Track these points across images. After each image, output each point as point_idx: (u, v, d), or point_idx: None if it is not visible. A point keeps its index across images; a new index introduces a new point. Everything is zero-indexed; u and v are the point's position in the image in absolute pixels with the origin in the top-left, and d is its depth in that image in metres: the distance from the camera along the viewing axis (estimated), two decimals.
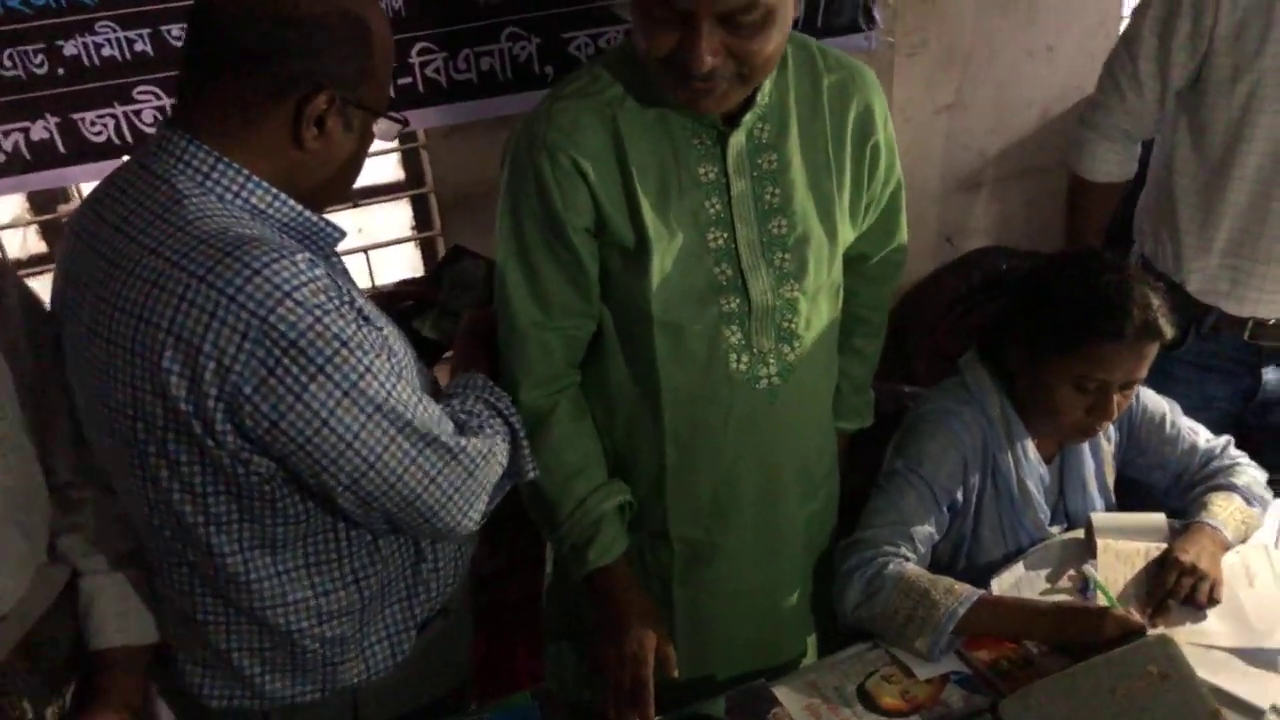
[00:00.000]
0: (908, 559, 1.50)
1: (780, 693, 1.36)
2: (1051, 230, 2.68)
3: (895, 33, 2.29)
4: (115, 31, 1.73)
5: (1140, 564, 1.54)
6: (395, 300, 1.56)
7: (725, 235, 1.30)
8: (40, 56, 1.71)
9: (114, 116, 1.78)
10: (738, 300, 1.33)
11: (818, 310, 1.40)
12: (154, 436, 1.06)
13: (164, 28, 1.75)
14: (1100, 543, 1.57)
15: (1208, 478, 1.65)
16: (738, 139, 1.28)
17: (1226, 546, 1.54)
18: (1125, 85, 1.82)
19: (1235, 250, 1.76)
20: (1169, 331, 1.47)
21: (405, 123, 1.20)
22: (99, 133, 1.79)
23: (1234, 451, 1.68)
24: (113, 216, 1.08)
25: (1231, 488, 1.61)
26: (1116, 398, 1.50)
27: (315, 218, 1.13)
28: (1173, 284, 1.86)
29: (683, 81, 1.17)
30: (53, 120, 1.76)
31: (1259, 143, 1.67)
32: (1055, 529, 1.66)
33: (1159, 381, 1.76)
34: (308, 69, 1.05)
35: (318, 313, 1.01)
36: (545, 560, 1.64)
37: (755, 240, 1.32)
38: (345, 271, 1.23)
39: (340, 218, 1.19)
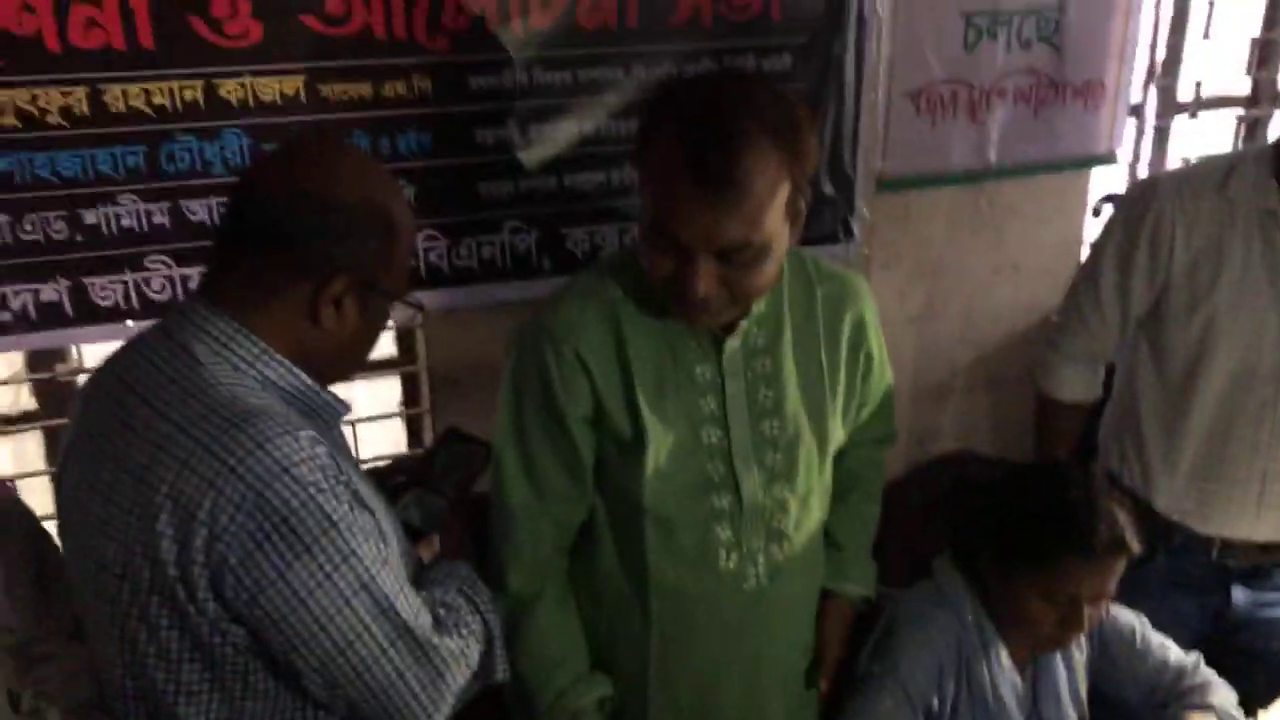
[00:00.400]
0: None
1: None
2: (1018, 438, 2.76)
3: (871, 245, 2.43)
4: (136, 204, 1.81)
5: None
6: (388, 475, 1.58)
7: (719, 434, 1.35)
8: (61, 223, 1.78)
9: (124, 282, 1.84)
10: (729, 498, 1.36)
11: (808, 511, 1.44)
12: (138, 599, 1.07)
13: (182, 202, 1.83)
14: None
15: (1180, 695, 1.66)
16: (733, 344, 1.35)
17: None
18: (1088, 311, 1.92)
19: (1201, 472, 1.82)
20: (1136, 547, 1.51)
21: (421, 307, 1.26)
22: (107, 297, 1.84)
23: (1205, 670, 1.69)
24: (129, 377, 1.12)
25: (1207, 707, 1.62)
26: (1088, 610, 1.52)
27: (322, 393, 1.17)
28: (1140, 500, 1.91)
29: (679, 302, 1.25)
30: (64, 283, 1.81)
31: (1218, 370, 1.76)
32: None
33: (1129, 595, 1.78)
34: (330, 253, 1.11)
35: (312, 489, 1.04)
36: None
37: (748, 440, 1.36)
38: (345, 447, 1.27)
39: (334, 388, 1.24)
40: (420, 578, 1.28)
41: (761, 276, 1.24)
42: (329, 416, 1.20)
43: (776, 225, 1.21)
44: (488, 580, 1.39)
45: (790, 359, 1.39)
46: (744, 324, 1.34)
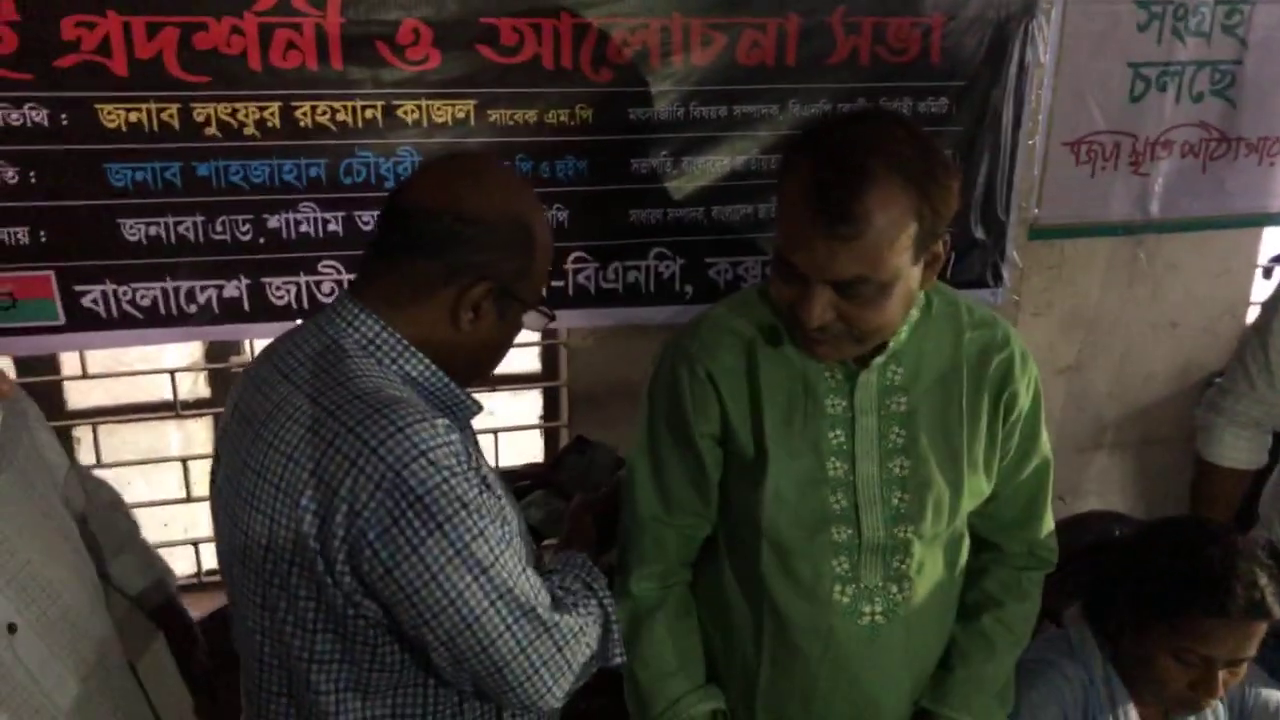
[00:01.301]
0: None
1: None
2: (1166, 500, 2.64)
3: (1021, 292, 2.39)
4: (315, 212, 1.95)
5: None
6: (515, 478, 1.65)
7: (845, 467, 1.36)
8: (247, 226, 1.93)
9: (297, 284, 1.98)
10: (849, 532, 1.36)
11: (933, 557, 1.41)
12: (279, 569, 1.16)
13: (356, 213, 1.97)
14: None
15: None
16: (868, 378, 1.35)
17: None
18: (1255, 374, 1.84)
19: None
20: (1277, 612, 1.44)
21: (553, 317, 1.33)
22: (281, 297, 1.99)
23: None
24: (284, 366, 1.21)
25: None
26: (1223, 674, 1.46)
27: (459, 391, 1.25)
28: None
29: (798, 330, 1.27)
30: (245, 282, 1.96)
31: None
32: None
33: None
34: (474, 262, 1.19)
35: (446, 473, 1.10)
36: None
37: (874, 476, 1.36)
38: (476, 442, 1.34)
39: (478, 397, 1.30)
40: (539, 567, 1.33)
41: (881, 314, 1.24)
42: (462, 414, 1.26)
43: (900, 264, 1.21)
44: (612, 584, 1.44)
45: (928, 400, 1.37)
46: (878, 360, 1.34)
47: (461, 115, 1.96)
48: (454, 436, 1.13)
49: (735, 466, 1.39)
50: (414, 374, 1.20)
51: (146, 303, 1.94)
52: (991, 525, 1.50)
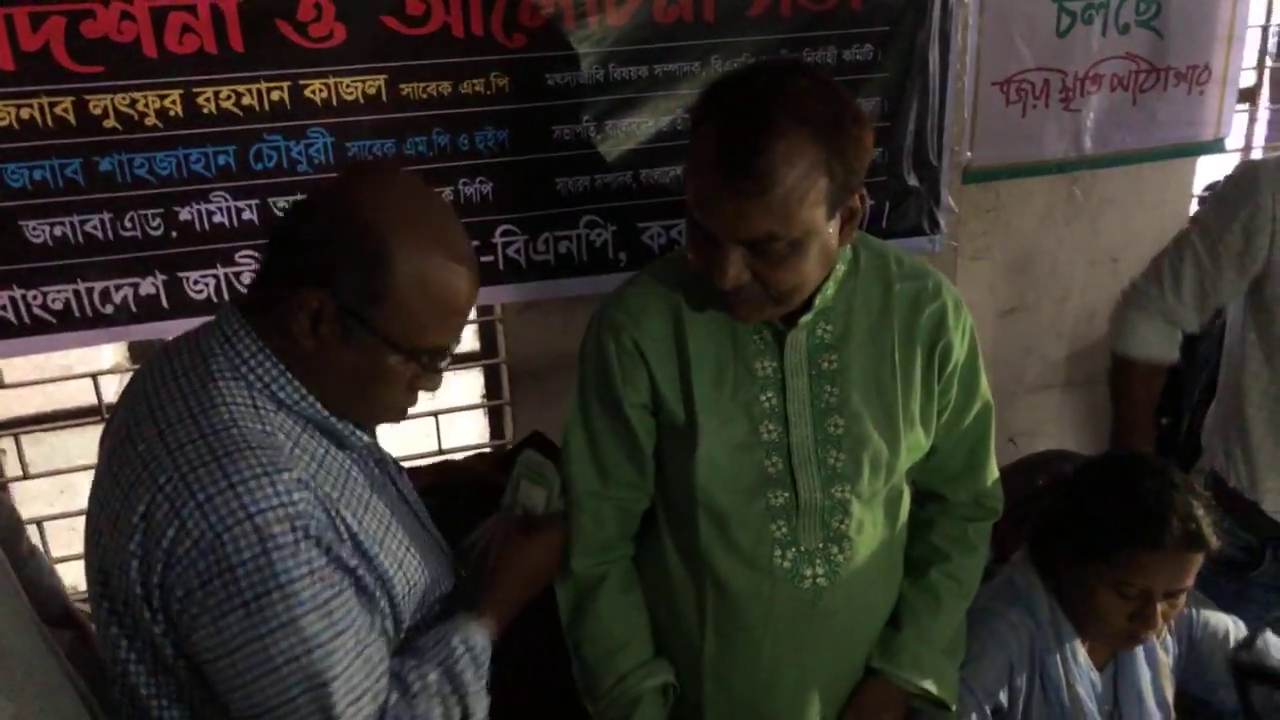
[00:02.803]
0: None
1: None
2: None
3: (959, 238, 2.37)
4: (227, 201, 1.88)
5: None
6: (454, 477, 1.59)
7: (779, 429, 1.33)
8: (158, 220, 1.86)
9: (215, 277, 1.92)
10: (786, 495, 1.34)
11: (873, 516, 1.39)
12: (115, 608, 1.12)
13: (270, 199, 1.90)
14: None
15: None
16: (797, 337, 1.32)
17: None
18: (1168, 283, 1.83)
19: None
20: (1213, 542, 1.45)
21: (435, 384, 1.20)
22: (200, 291, 1.92)
23: None
24: (150, 385, 1.15)
25: None
26: (1161, 606, 1.47)
27: (338, 422, 1.16)
28: (1246, 502, 1.82)
29: (717, 291, 1.24)
30: (160, 278, 1.89)
31: None
32: None
33: (1231, 602, 1.71)
34: (311, 265, 1.09)
35: (269, 545, 1.02)
36: None
37: (809, 437, 1.34)
38: (368, 474, 1.22)
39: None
40: (414, 641, 1.23)
41: (796, 273, 1.21)
42: (348, 443, 1.18)
43: (812, 219, 1.17)
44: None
45: (860, 357, 1.35)
46: (806, 318, 1.31)
47: (372, 91, 1.90)
48: (299, 497, 1.05)
49: (668, 435, 1.36)
50: (288, 401, 1.13)
51: (59, 306, 1.86)
52: (935, 478, 1.49)
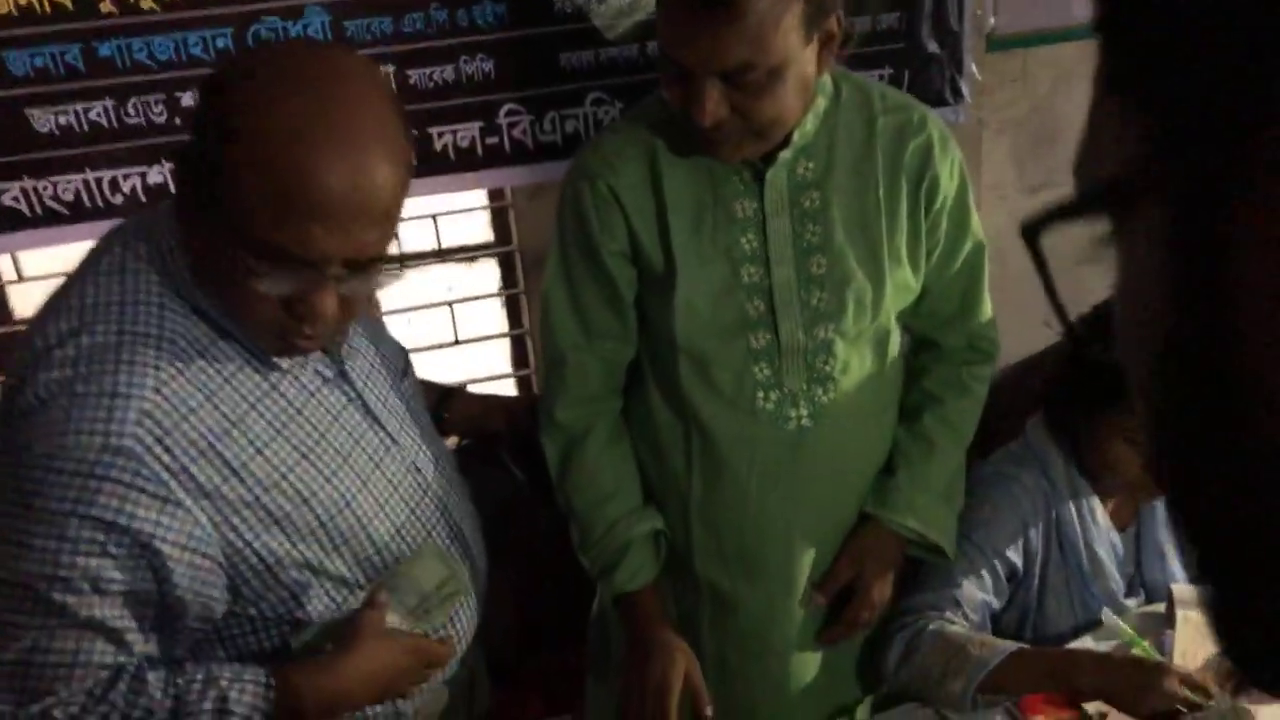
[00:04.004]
0: (953, 624, 1.43)
1: None
2: None
3: (983, 109, 2.28)
4: None
5: None
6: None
7: (760, 271, 1.31)
8: (161, 106, 1.86)
9: None
10: (768, 337, 1.32)
11: (859, 356, 1.37)
12: None
13: None
14: (1180, 614, 1.47)
15: None
16: (777, 175, 1.29)
17: None
18: None
19: None
20: None
21: (310, 312, 1.03)
22: None
23: None
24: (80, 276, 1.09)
25: None
26: None
27: (242, 336, 1.07)
28: None
29: (696, 131, 1.20)
30: (167, 166, 1.90)
31: None
32: (1131, 602, 1.56)
33: None
34: (191, 140, 1.00)
35: (45, 465, 0.97)
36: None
37: (791, 278, 1.31)
38: (299, 398, 1.13)
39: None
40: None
41: (776, 103, 1.18)
42: (271, 361, 1.10)
43: (789, 46, 1.13)
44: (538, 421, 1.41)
45: (842, 194, 1.31)
46: (785, 155, 1.28)
47: None
48: (129, 429, 0.98)
49: (647, 282, 1.34)
50: (199, 304, 1.06)
51: (69, 196, 1.88)
52: (929, 323, 1.45)
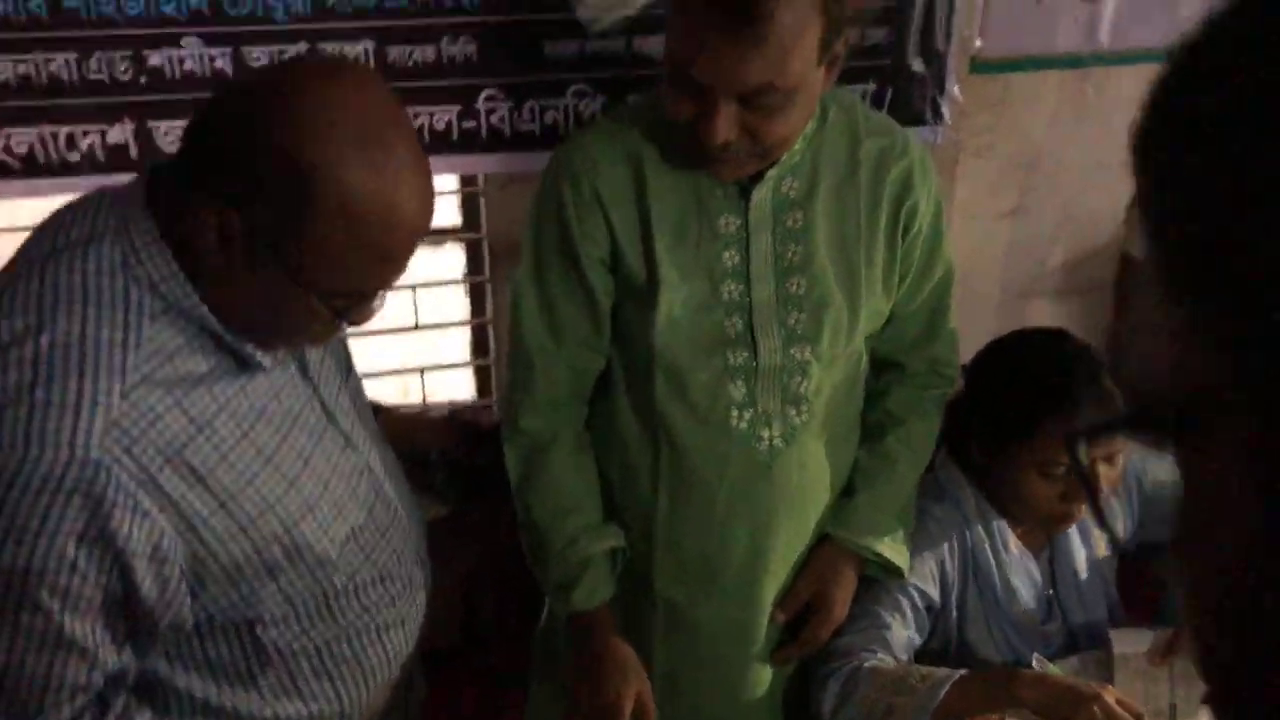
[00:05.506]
0: (884, 662, 1.44)
1: None
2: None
3: (962, 130, 2.28)
4: (200, 48, 1.81)
5: (1163, 677, 1.45)
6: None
7: (740, 289, 1.29)
8: (126, 64, 1.79)
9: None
10: (745, 355, 1.31)
11: (831, 379, 1.37)
12: None
13: (245, 48, 1.82)
14: (1118, 655, 1.50)
15: None
16: (762, 193, 1.28)
17: None
18: None
19: None
20: (1121, 397, 1.43)
21: (337, 327, 1.09)
22: (172, 142, 1.86)
23: None
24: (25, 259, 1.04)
25: None
26: (1102, 469, 1.45)
27: (232, 340, 1.04)
28: None
29: (699, 148, 1.18)
30: (129, 125, 1.83)
31: None
32: (1051, 626, 1.58)
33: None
34: (225, 180, 0.97)
35: (9, 480, 0.92)
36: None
37: (771, 297, 1.30)
38: (271, 395, 1.11)
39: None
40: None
41: (787, 124, 1.17)
42: (253, 363, 1.07)
43: (806, 68, 1.12)
44: (501, 424, 1.37)
45: (825, 215, 1.31)
46: (772, 173, 1.26)
47: None
48: (95, 441, 0.93)
49: (626, 291, 1.32)
50: (175, 301, 1.01)
51: (23, 150, 1.80)
52: (893, 345, 1.45)
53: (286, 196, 0.96)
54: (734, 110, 1.13)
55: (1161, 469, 1.63)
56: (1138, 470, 1.62)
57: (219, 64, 1.82)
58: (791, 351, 1.31)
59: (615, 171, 1.28)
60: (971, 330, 1.67)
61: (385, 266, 1.03)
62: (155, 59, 1.80)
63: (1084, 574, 1.61)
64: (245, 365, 1.07)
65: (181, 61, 1.81)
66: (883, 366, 1.51)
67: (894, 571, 1.47)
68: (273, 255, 0.99)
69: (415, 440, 1.48)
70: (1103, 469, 1.45)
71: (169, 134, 1.85)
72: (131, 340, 0.98)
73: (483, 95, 1.97)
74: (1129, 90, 2.40)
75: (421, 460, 1.47)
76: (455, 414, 1.57)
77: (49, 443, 0.93)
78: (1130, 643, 1.51)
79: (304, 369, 1.17)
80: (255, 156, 0.96)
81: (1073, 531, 1.59)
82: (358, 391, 1.31)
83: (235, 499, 1.04)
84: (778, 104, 1.14)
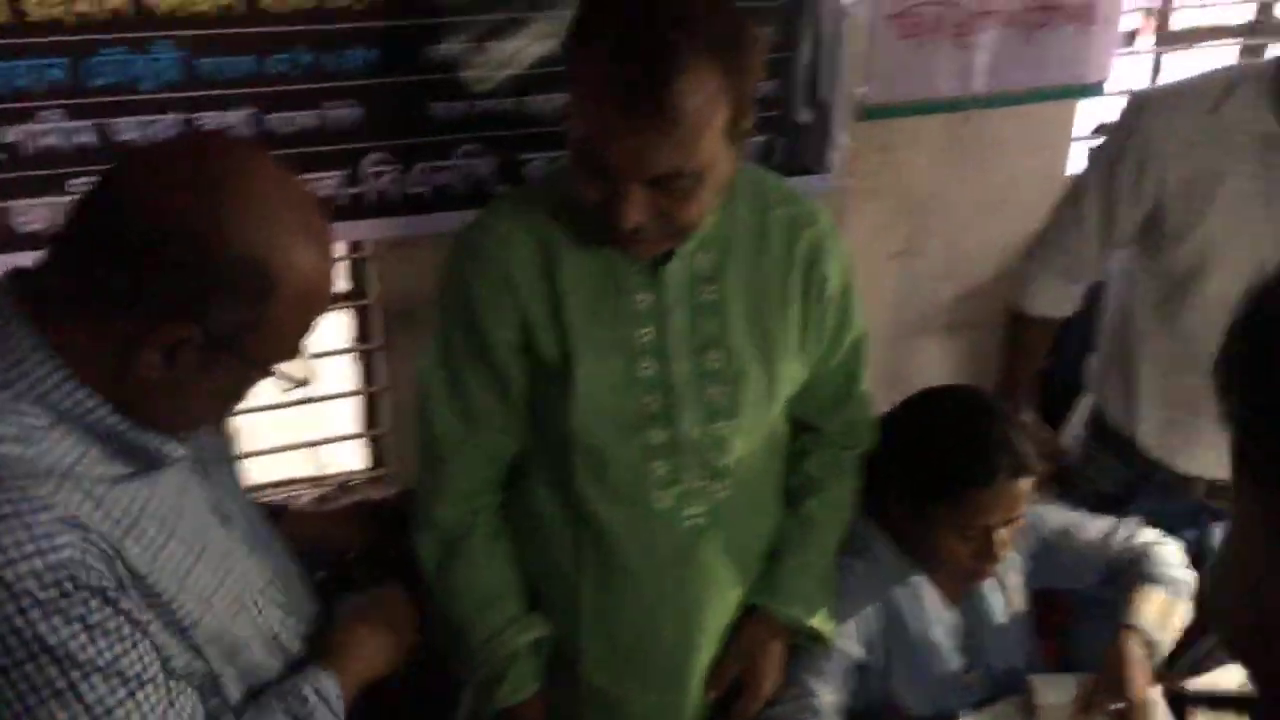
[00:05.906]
0: None
1: None
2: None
3: (851, 175, 2.32)
4: (59, 121, 1.68)
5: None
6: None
7: (657, 365, 1.27)
8: None
9: (47, 206, 1.72)
10: (665, 433, 1.28)
11: (753, 449, 1.35)
12: None
13: (109, 121, 1.71)
14: (1039, 703, 1.54)
15: (1126, 567, 1.62)
16: (675, 269, 1.26)
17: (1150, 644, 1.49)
18: (1069, 227, 1.86)
19: (1190, 405, 1.74)
20: (1039, 468, 1.48)
21: (303, 381, 1.09)
22: (28, 223, 1.72)
23: (1145, 534, 1.64)
24: None
25: (1149, 579, 1.57)
26: (1002, 533, 1.49)
27: (139, 438, 0.99)
28: (1124, 438, 1.84)
29: (611, 231, 1.15)
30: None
31: (1212, 298, 1.68)
32: (972, 675, 1.61)
33: None
34: (177, 296, 0.93)
35: (25, 602, 0.87)
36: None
37: (688, 373, 1.28)
38: (180, 488, 1.06)
39: None
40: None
41: (698, 205, 1.15)
42: (163, 459, 1.02)
43: (715, 149, 1.11)
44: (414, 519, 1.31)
45: (739, 287, 1.29)
46: (685, 248, 1.24)
47: (226, 1, 1.71)
48: (64, 540, 0.89)
49: (541, 373, 1.27)
50: (73, 411, 0.94)
51: None
52: (809, 408, 1.45)
53: (250, 296, 0.96)
54: (644, 194, 1.11)
55: (1052, 514, 1.68)
56: (1034, 519, 1.66)
57: (82, 138, 1.70)
58: (711, 427, 1.29)
59: (524, 251, 1.24)
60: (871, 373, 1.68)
61: (317, 319, 1.06)
62: (10, 134, 1.67)
63: (1001, 620, 1.63)
64: (153, 462, 1.02)
65: (39, 136, 1.68)
66: (799, 429, 1.51)
67: (821, 640, 1.45)
68: (230, 351, 0.98)
69: (328, 540, 1.40)
70: (953, 541, 1.49)
71: (24, 215, 1.72)
72: (33, 451, 0.93)
73: (369, 159, 1.89)
74: (1002, 131, 2.48)
75: (339, 560, 1.39)
76: (362, 504, 1.50)
77: (15, 558, 0.88)
78: (1052, 692, 1.54)
79: (200, 453, 1.11)
80: (206, 267, 0.94)
81: (986, 584, 1.62)
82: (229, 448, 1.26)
83: (169, 605, 1.00)
84: (689, 186, 1.12)
